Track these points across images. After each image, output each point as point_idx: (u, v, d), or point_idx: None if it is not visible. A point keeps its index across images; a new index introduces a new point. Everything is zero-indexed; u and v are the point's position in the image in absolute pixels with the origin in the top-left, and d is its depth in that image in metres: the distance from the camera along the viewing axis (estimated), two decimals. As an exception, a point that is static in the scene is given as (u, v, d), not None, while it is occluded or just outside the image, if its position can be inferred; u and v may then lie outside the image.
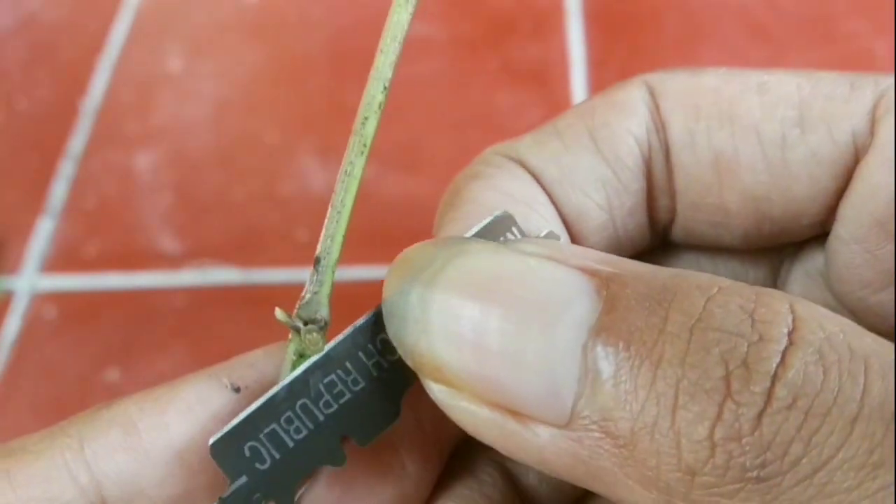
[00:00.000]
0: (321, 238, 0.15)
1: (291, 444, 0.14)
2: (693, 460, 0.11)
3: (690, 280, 0.12)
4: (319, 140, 0.51)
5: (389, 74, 0.15)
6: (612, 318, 0.12)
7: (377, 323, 0.15)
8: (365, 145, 0.15)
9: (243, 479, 0.14)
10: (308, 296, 0.15)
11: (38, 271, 0.47)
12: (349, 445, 0.15)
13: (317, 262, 0.15)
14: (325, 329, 0.15)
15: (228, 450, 0.14)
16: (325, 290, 0.15)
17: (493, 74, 0.53)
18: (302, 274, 0.46)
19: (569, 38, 0.55)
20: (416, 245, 0.15)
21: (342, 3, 0.58)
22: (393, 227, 0.46)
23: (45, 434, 0.15)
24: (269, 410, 0.14)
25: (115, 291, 0.46)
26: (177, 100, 0.54)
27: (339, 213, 0.15)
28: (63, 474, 0.14)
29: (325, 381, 0.14)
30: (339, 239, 0.15)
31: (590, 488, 0.13)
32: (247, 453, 0.14)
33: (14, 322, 0.45)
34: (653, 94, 0.17)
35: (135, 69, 0.56)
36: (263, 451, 0.14)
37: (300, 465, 0.14)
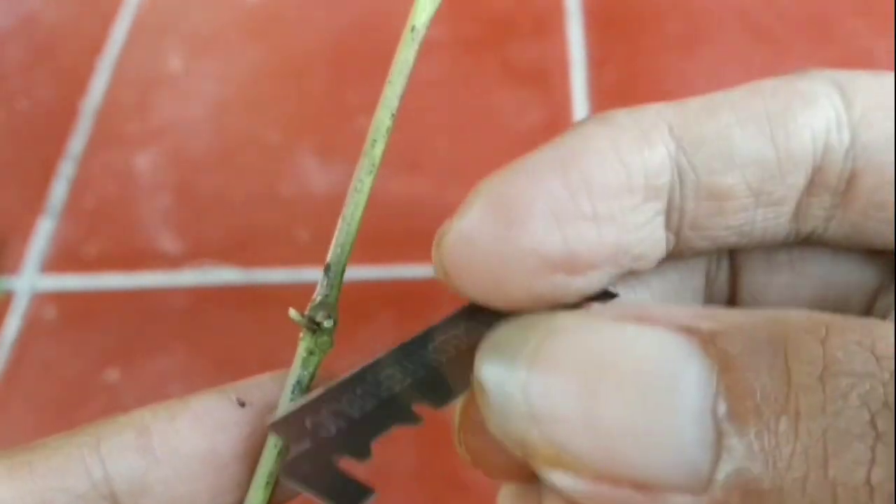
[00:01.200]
0: (332, 247, 0.17)
1: (358, 416, 0.15)
2: None
3: (794, 324, 0.12)
4: (319, 140, 0.51)
5: (396, 104, 0.17)
6: (733, 377, 0.12)
7: (427, 335, 0.16)
8: (374, 165, 0.17)
9: (307, 442, 0.15)
10: (319, 298, 0.17)
11: (38, 271, 0.47)
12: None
13: (327, 268, 0.17)
14: (334, 329, 0.16)
15: (289, 426, 0.15)
16: (335, 293, 0.17)
17: (493, 74, 0.53)
18: (302, 274, 0.46)
19: (569, 38, 0.55)
20: (502, 328, 0.14)
21: (342, 3, 0.58)
22: (393, 226, 0.46)
23: (65, 434, 0.16)
24: (331, 395, 0.16)
25: (115, 291, 0.46)
26: (177, 100, 0.54)
27: (348, 224, 0.17)
28: (79, 468, 0.15)
29: (384, 373, 0.16)
30: (347, 248, 0.17)
31: None
32: (308, 426, 0.15)
33: (14, 322, 0.45)
34: (842, 91, 0.16)
35: (135, 69, 0.56)
36: (328, 422, 0.15)
37: (372, 427, 0.15)
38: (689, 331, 0.13)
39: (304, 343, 0.17)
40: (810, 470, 0.12)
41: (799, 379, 0.12)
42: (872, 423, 0.11)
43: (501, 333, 0.14)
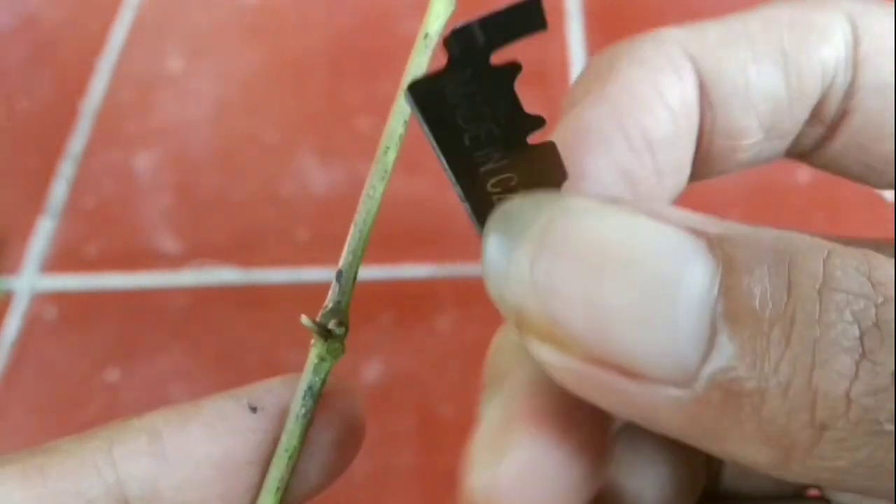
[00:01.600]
0: (343, 253, 0.17)
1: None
2: (827, 416, 0.12)
3: (798, 243, 0.13)
4: (319, 140, 0.51)
5: (409, 111, 0.16)
6: (735, 278, 0.12)
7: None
8: (386, 171, 0.17)
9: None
10: (330, 305, 0.17)
11: (38, 271, 0.47)
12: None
13: (339, 275, 0.17)
14: (346, 336, 0.16)
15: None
16: (346, 300, 0.17)
17: (493, 74, 0.53)
18: (302, 274, 0.46)
19: (569, 38, 0.55)
20: (514, 201, 0.14)
21: (342, 3, 0.58)
22: (393, 226, 0.46)
23: (77, 437, 0.16)
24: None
25: (115, 291, 0.46)
26: (177, 100, 0.54)
27: (360, 231, 0.17)
28: (91, 472, 0.15)
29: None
30: (359, 254, 0.17)
31: (699, 445, 0.13)
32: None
33: (14, 322, 0.45)
34: (854, 27, 0.16)
35: (135, 69, 0.56)
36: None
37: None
38: (698, 232, 0.13)
39: (315, 349, 0.16)
40: (795, 376, 0.12)
41: (799, 289, 0.12)
42: (861, 340, 0.12)
43: (514, 204, 0.14)
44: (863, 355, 0.12)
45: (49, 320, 0.45)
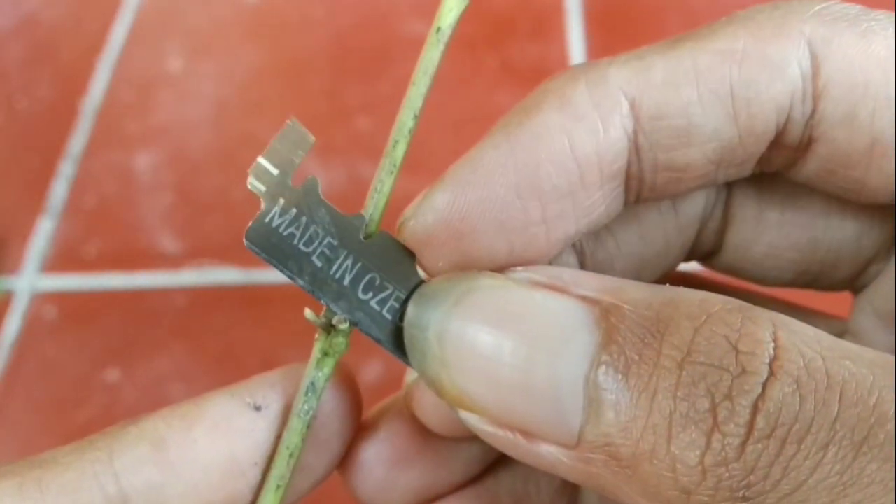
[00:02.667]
0: None
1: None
2: (687, 482, 0.13)
3: (682, 309, 0.13)
4: (319, 140, 0.51)
5: (420, 104, 0.17)
6: (611, 350, 0.13)
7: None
8: (395, 165, 0.17)
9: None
10: None
11: (38, 271, 0.47)
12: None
13: None
14: (350, 332, 0.16)
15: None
16: None
17: (493, 74, 0.53)
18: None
19: (569, 38, 0.55)
20: (431, 281, 0.16)
21: (342, 3, 0.58)
22: (393, 226, 0.46)
23: (74, 447, 0.15)
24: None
25: (115, 291, 0.46)
26: (177, 100, 0.54)
27: (367, 225, 0.17)
28: (92, 485, 0.15)
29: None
30: None
31: (599, 495, 0.14)
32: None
33: (14, 322, 0.45)
34: (814, 57, 0.16)
35: (135, 69, 0.56)
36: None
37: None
38: (591, 301, 0.14)
39: (318, 344, 0.16)
40: (657, 445, 0.13)
41: (663, 362, 0.13)
42: (713, 412, 0.12)
43: (431, 286, 0.16)
44: (714, 427, 0.12)
45: (49, 320, 0.45)
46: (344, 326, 0.16)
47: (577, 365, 0.13)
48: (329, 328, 0.16)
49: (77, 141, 0.52)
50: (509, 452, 0.15)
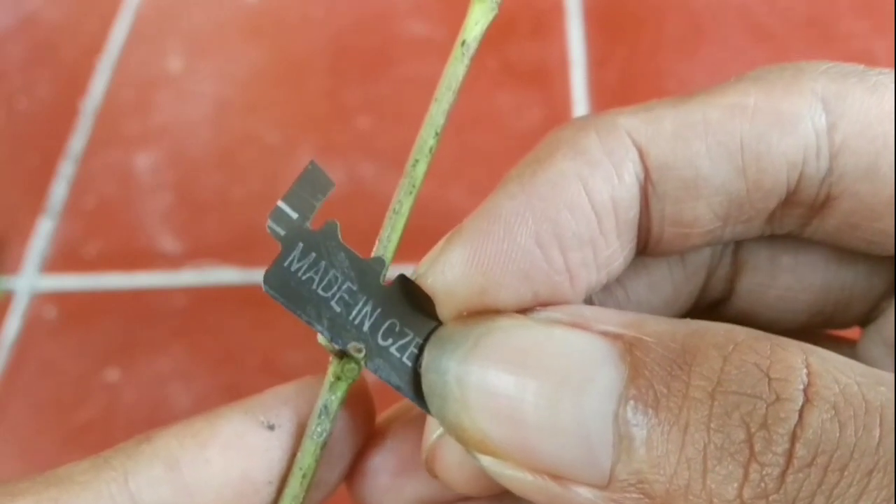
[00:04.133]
0: None
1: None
2: None
3: (707, 339, 0.13)
4: (319, 140, 0.51)
5: (442, 121, 0.16)
6: (638, 384, 0.13)
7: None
8: (414, 185, 0.16)
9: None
10: None
11: (38, 271, 0.47)
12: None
13: None
14: (365, 359, 0.16)
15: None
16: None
17: (493, 74, 0.53)
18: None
19: (569, 38, 0.55)
20: (448, 325, 0.16)
21: (342, 3, 0.58)
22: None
23: (90, 465, 0.15)
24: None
25: (115, 291, 0.46)
26: (177, 100, 0.54)
27: (385, 248, 0.16)
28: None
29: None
30: (384, 275, 0.16)
31: None
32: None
33: (14, 322, 0.45)
34: (829, 113, 0.16)
35: (135, 69, 0.56)
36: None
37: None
38: (612, 337, 0.14)
39: (331, 368, 0.16)
40: (692, 479, 0.12)
41: (693, 393, 0.13)
42: (749, 443, 0.12)
43: (448, 328, 0.15)
44: (751, 458, 0.12)
45: (49, 320, 0.45)
46: (358, 355, 0.16)
47: (604, 402, 0.13)
48: (342, 354, 0.16)
49: (77, 141, 0.52)
50: (535, 498, 0.14)
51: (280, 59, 0.56)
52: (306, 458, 0.16)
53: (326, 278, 0.16)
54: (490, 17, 0.16)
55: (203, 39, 0.57)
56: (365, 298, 0.16)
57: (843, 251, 0.18)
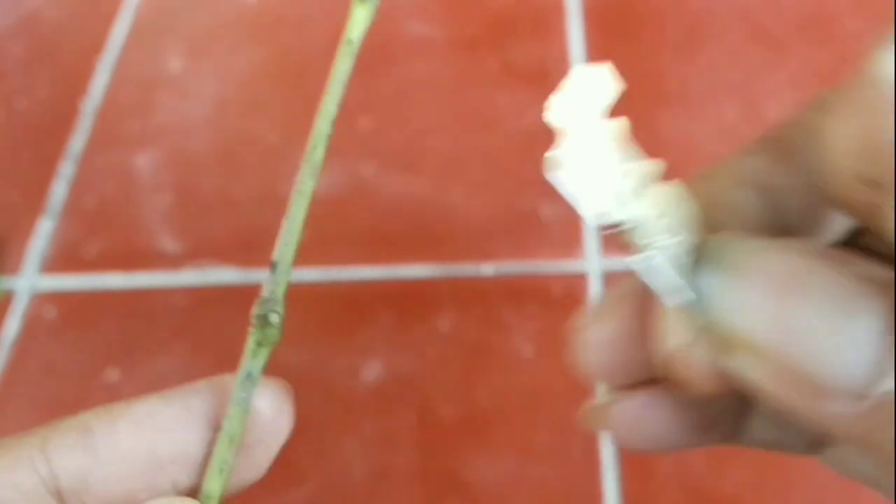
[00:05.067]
0: (276, 245, 0.18)
1: None
2: None
3: None
4: (319, 140, 0.51)
5: (334, 111, 0.19)
6: None
7: None
8: (315, 168, 0.19)
9: None
10: (266, 295, 0.18)
11: (38, 271, 0.47)
12: None
13: (273, 266, 0.18)
14: (282, 323, 0.18)
15: None
16: (281, 289, 0.18)
17: (493, 74, 0.53)
18: (301, 274, 0.46)
19: (569, 38, 0.55)
20: (719, 241, 0.16)
21: (342, 3, 0.58)
22: (393, 226, 0.46)
23: (16, 436, 0.17)
24: None
25: (115, 291, 0.46)
26: (177, 100, 0.54)
27: (291, 224, 0.18)
28: (26, 466, 0.17)
29: None
30: (292, 246, 0.18)
31: (862, 454, 0.15)
32: None
33: (14, 322, 0.45)
34: None
35: (135, 69, 0.56)
36: None
37: None
38: (868, 279, 0.14)
39: (252, 336, 0.18)
40: None
41: None
42: None
43: (717, 245, 0.16)
44: None
45: (49, 320, 0.45)
46: (275, 319, 0.17)
47: (874, 321, 0.14)
48: (262, 321, 0.18)
49: (77, 141, 0.52)
50: (781, 401, 0.15)
51: (280, 59, 0.56)
52: (233, 423, 0.17)
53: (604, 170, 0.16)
54: (369, 18, 0.19)
55: (203, 39, 0.58)
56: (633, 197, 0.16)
57: None
